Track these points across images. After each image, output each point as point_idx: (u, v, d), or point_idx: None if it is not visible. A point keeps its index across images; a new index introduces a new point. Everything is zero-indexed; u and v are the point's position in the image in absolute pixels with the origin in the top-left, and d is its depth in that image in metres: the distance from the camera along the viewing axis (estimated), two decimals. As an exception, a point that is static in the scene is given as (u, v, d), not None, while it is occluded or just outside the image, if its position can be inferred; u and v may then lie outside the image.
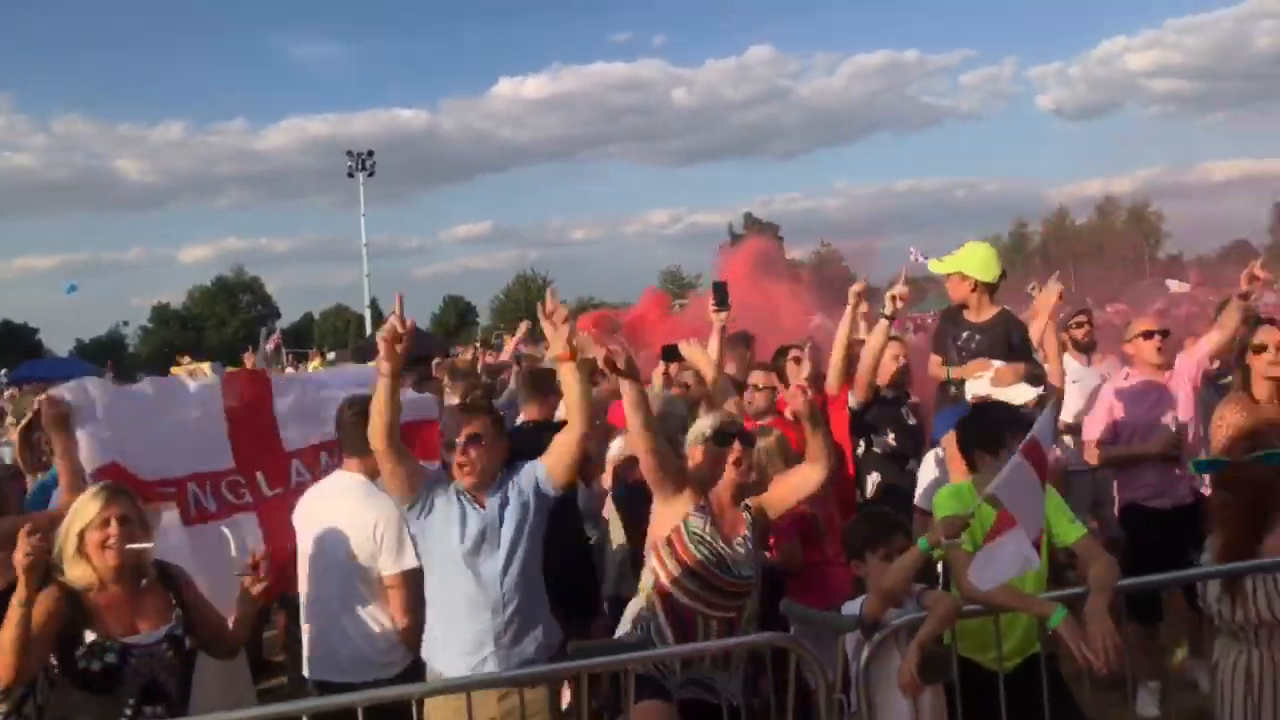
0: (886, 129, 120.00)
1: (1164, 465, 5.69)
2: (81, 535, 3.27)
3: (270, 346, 25.21)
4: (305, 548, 4.18)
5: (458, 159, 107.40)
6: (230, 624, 3.56)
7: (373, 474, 4.10)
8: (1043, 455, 3.49)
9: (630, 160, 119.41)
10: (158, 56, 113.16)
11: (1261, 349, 4.94)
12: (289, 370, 19.56)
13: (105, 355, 59.23)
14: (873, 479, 5.64)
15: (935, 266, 5.84)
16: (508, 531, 3.76)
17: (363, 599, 4.05)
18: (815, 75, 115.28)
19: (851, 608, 3.60)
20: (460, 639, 3.70)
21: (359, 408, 4.15)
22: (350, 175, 51.04)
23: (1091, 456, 5.94)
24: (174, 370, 29.36)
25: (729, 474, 3.95)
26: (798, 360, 6.14)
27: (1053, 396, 5.41)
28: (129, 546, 3.25)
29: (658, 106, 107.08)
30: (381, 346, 3.52)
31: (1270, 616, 3.64)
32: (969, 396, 5.14)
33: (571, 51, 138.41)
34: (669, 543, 3.86)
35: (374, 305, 52.74)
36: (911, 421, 5.77)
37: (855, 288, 5.39)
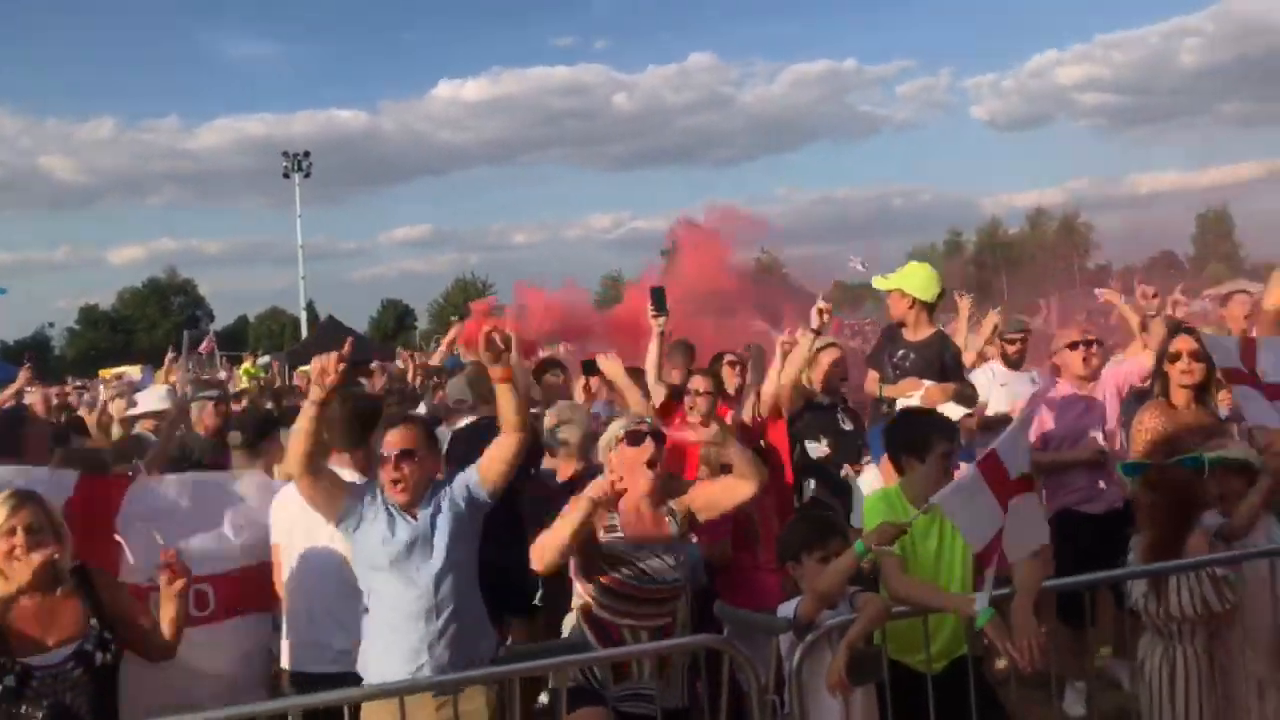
0: (825, 137, 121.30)
1: (1092, 471, 5.85)
2: None
3: (204, 349, 24.81)
4: (294, 541, 4.13)
5: (397, 161, 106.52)
6: (164, 625, 3.41)
7: (363, 469, 4.15)
8: (1001, 471, 3.50)
9: (571, 164, 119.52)
10: (88, 50, 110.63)
11: (1176, 358, 5.09)
12: (221, 374, 19.20)
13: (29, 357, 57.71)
14: (809, 485, 5.70)
15: (878, 283, 5.98)
16: (441, 539, 3.71)
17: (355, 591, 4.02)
18: (756, 83, 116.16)
19: (786, 609, 3.63)
20: (396, 649, 3.64)
21: (350, 403, 4.28)
22: (286, 176, 50.30)
23: None
24: (102, 375, 28.78)
25: (644, 476, 3.88)
26: (733, 365, 6.21)
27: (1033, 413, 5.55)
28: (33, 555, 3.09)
29: (599, 111, 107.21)
30: (314, 374, 3.52)
31: (1193, 613, 3.76)
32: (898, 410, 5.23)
33: (512, 55, 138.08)
34: None
35: (310, 308, 52.04)
36: (848, 427, 5.83)
37: (813, 325, 5.39)
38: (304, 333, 43.24)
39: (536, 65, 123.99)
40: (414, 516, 3.74)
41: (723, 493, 4.05)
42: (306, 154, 50.48)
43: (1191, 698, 3.78)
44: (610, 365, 5.34)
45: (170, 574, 3.35)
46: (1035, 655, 3.35)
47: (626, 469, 3.87)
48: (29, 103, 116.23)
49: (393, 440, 3.74)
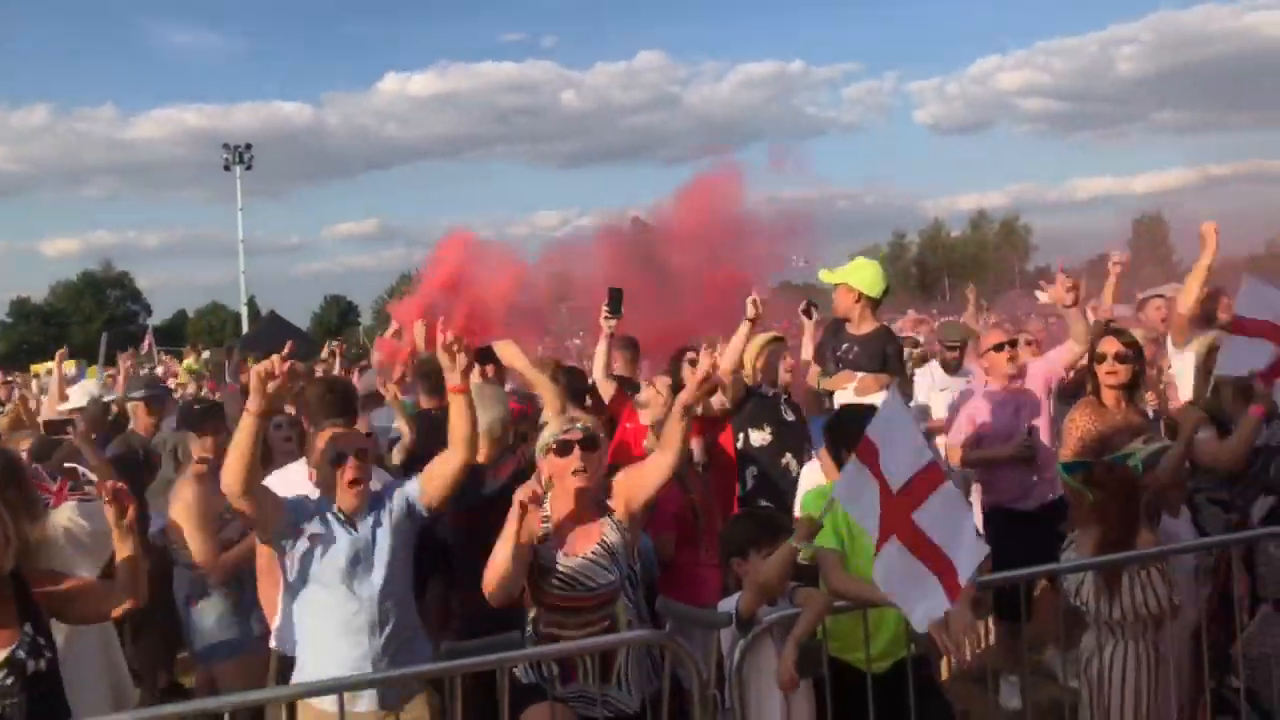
0: (771, 138, 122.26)
1: (1022, 468, 5.97)
2: None
3: (143, 346, 24.30)
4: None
5: (341, 155, 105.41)
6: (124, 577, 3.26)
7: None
8: (874, 451, 3.42)
9: (518, 161, 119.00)
10: (20, 34, 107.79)
11: (1102, 359, 5.22)
12: (159, 370, 18.80)
13: (-41, 351, 56.25)
14: (750, 472, 5.80)
15: (826, 276, 6.03)
16: (382, 553, 3.66)
17: None
18: (703, 82, 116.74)
19: (727, 604, 3.65)
20: (336, 664, 3.55)
21: (324, 385, 4.46)
22: (226, 168, 49.54)
23: (954, 458, 6.20)
24: (34, 369, 28.07)
25: (570, 485, 3.81)
26: (694, 363, 6.26)
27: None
28: None
29: (547, 108, 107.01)
30: (253, 383, 3.36)
31: (1145, 611, 3.84)
32: (837, 406, 5.30)
33: (460, 49, 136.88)
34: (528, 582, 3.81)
35: (251, 303, 51.29)
36: (789, 417, 5.94)
37: (749, 314, 5.51)
38: (244, 328, 42.56)
39: (485, 60, 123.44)
40: (355, 528, 3.68)
41: (644, 478, 3.94)
42: (248, 146, 49.79)
43: (1142, 693, 3.88)
44: (507, 351, 5.32)
45: (118, 506, 3.16)
46: (972, 650, 3.41)
47: (556, 478, 3.84)
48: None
49: (348, 438, 3.69)
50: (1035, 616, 5.87)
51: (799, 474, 5.96)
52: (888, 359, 5.78)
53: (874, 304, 6.01)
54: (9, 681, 2.96)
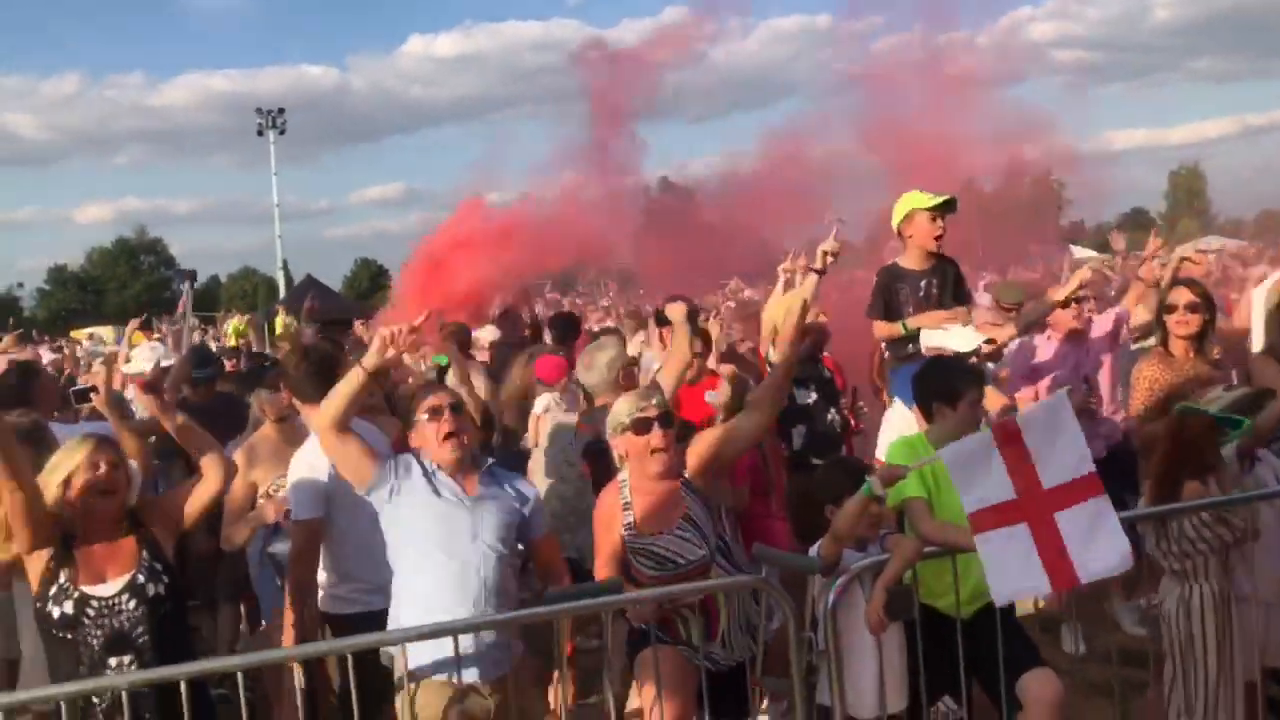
0: (799, 93, 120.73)
1: (1082, 418, 6.01)
2: (67, 482, 3.28)
3: (179, 309, 24.53)
4: (332, 488, 4.22)
5: (368, 119, 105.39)
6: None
7: None
8: (1017, 440, 3.47)
9: (544, 121, 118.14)
10: (51, 5, 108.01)
11: (1173, 309, 5.25)
12: (195, 336, 18.98)
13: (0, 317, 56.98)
14: (798, 431, 5.91)
15: (898, 212, 5.74)
16: (488, 512, 3.69)
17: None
18: (730, 38, 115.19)
19: (816, 551, 3.75)
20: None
21: (315, 358, 4.40)
22: (260, 133, 49.42)
23: (994, 406, 6.24)
24: (73, 335, 28.40)
25: (651, 463, 3.85)
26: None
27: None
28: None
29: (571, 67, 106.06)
30: (375, 344, 3.48)
31: (1204, 545, 3.91)
32: (924, 348, 5.27)
33: (484, 9, 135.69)
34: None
35: (285, 267, 51.52)
36: (828, 375, 6.11)
37: (816, 265, 5.53)
38: (281, 293, 42.82)
39: (509, 19, 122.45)
40: (468, 490, 3.70)
41: (734, 434, 3.98)
42: (281, 110, 49.67)
43: (1209, 634, 3.93)
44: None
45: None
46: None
47: (635, 456, 3.88)
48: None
49: (436, 399, 3.71)
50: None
51: (842, 428, 6.09)
52: (960, 283, 5.76)
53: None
54: (131, 604, 3.25)
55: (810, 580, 3.72)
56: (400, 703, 3.42)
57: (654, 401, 3.88)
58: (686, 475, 3.91)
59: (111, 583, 3.26)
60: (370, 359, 3.47)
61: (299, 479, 4.31)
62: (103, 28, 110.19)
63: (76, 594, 3.21)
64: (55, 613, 3.20)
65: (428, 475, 3.67)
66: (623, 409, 3.91)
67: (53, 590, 3.22)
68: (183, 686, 3.05)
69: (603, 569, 3.85)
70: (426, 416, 3.65)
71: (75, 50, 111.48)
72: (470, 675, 3.51)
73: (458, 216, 9.56)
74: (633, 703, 3.97)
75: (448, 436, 3.65)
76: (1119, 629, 5.84)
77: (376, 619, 4.04)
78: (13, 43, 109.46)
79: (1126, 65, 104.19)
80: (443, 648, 3.39)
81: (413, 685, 3.42)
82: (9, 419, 3.22)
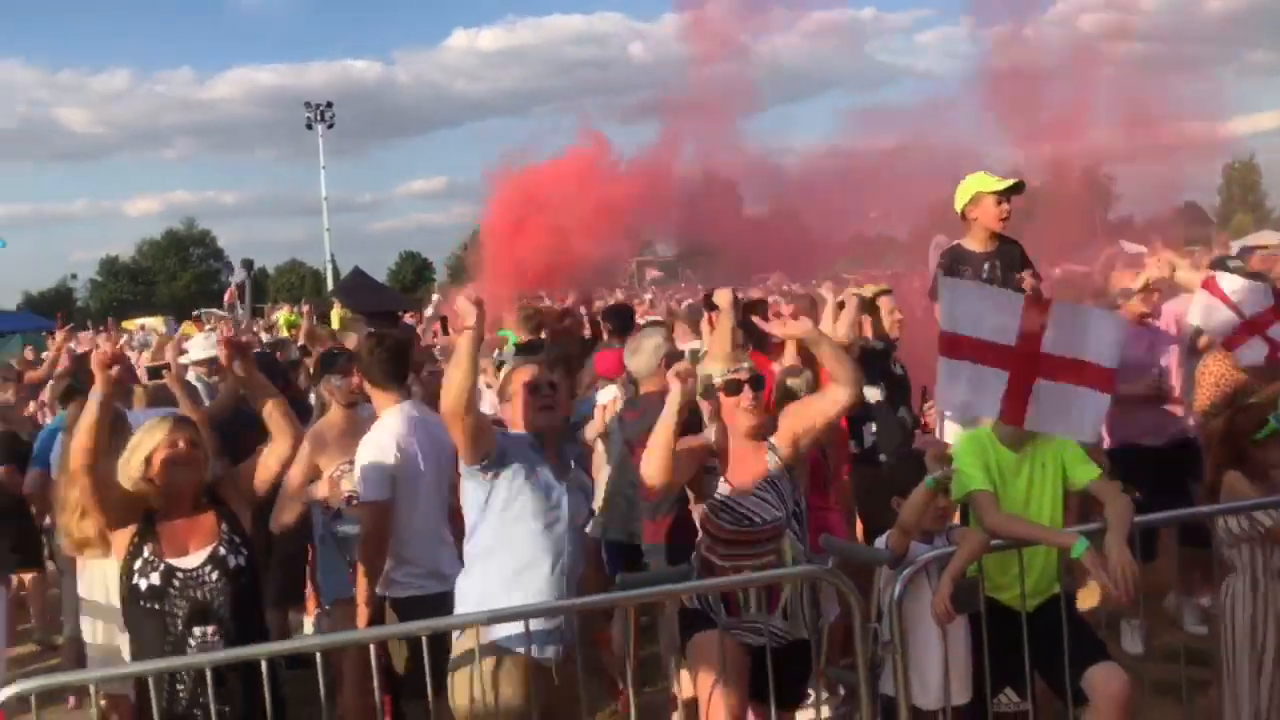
0: (841, 86, 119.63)
1: (1154, 405, 5.97)
2: (148, 460, 3.39)
3: (226, 300, 24.89)
4: (397, 472, 4.34)
5: (412, 112, 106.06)
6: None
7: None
8: (1044, 308, 3.94)
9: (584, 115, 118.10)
10: (101, 1, 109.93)
11: None
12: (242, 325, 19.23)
13: (54, 309, 58.09)
14: (868, 429, 5.83)
15: (963, 194, 5.72)
16: (574, 501, 3.79)
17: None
18: (773, 31, 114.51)
19: (883, 542, 3.77)
20: (525, 599, 3.62)
21: (389, 345, 4.58)
22: (309, 127, 50.17)
23: None
24: (125, 326, 28.88)
25: (741, 423, 3.91)
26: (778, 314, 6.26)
27: None
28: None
29: (614, 61, 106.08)
30: (458, 314, 3.54)
31: (1239, 531, 4.00)
32: None
33: (527, 2, 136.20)
34: (700, 517, 3.93)
35: (332, 260, 52.07)
36: (898, 371, 5.99)
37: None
38: (329, 285, 43.31)
39: (552, 13, 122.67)
40: (555, 468, 3.77)
41: (819, 407, 4.01)
42: (329, 105, 50.34)
43: (1240, 624, 4.03)
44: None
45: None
46: (1131, 587, 3.48)
47: (725, 416, 3.94)
48: (44, 55, 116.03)
49: (534, 374, 3.79)
50: (1158, 562, 5.91)
51: (912, 425, 6.05)
52: (1026, 262, 5.71)
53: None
54: (213, 575, 3.36)
55: (876, 572, 3.74)
56: (475, 682, 3.47)
57: (745, 365, 3.98)
58: (773, 440, 3.96)
59: (194, 555, 3.37)
60: (466, 334, 3.50)
61: (368, 462, 4.41)
62: (151, 24, 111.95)
63: (162, 566, 3.32)
64: (143, 584, 3.30)
65: (530, 454, 3.73)
66: (715, 370, 3.99)
67: (138, 563, 3.33)
68: (263, 665, 3.14)
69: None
70: (524, 390, 3.73)
71: (125, 46, 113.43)
72: (543, 654, 3.58)
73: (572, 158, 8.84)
74: (685, 689, 4.01)
75: (545, 409, 3.74)
76: (1179, 628, 5.80)
77: (430, 603, 4.13)
78: (65, 39, 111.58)
79: (1180, 57, 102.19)
80: (517, 626, 3.47)
81: (487, 663, 3.47)
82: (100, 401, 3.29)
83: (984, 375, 3.96)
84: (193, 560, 3.36)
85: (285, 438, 3.62)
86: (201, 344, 8.46)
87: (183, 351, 8.47)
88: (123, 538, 3.36)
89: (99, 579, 4.51)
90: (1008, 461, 3.93)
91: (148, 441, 3.42)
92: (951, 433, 4.98)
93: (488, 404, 7.48)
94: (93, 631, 4.81)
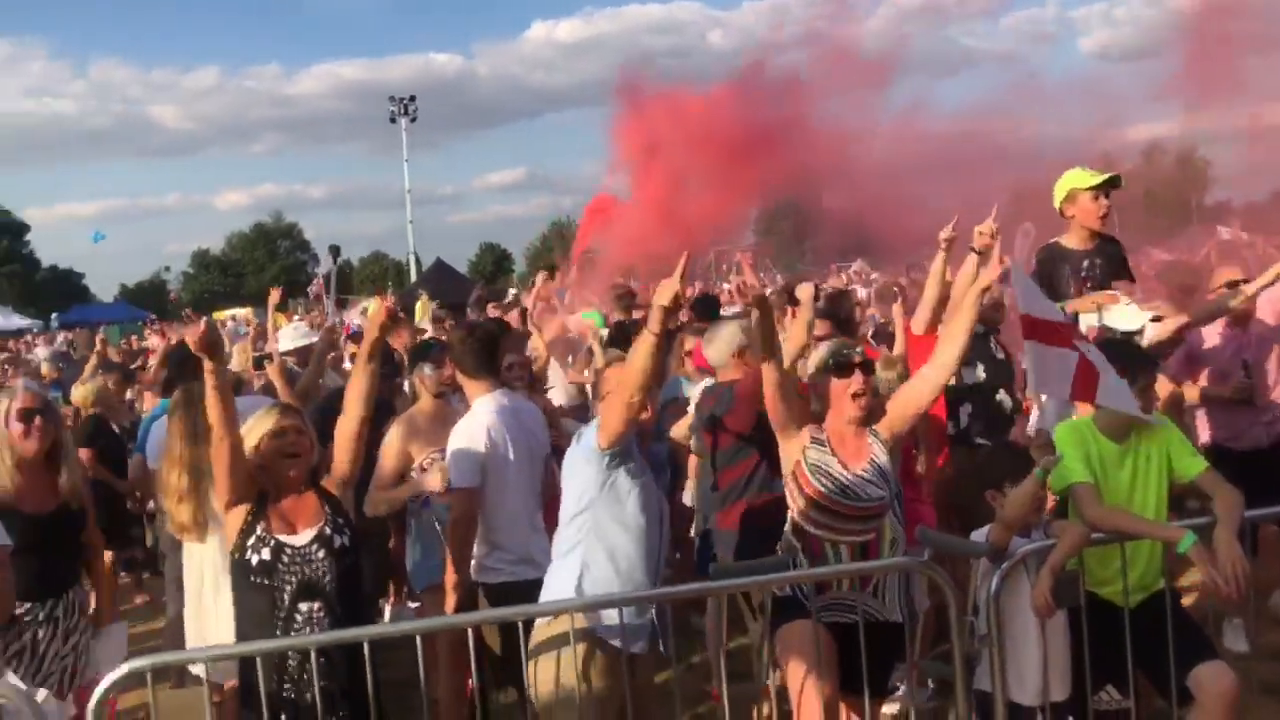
0: (923, 71, 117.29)
1: (1242, 407, 5.77)
2: (257, 446, 3.52)
3: (312, 292, 25.42)
4: (487, 460, 4.41)
5: (491, 105, 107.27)
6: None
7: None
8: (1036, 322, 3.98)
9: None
10: (190, 1, 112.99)
11: None
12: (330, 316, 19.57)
13: (149, 300, 60.08)
14: (965, 410, 5.79)
15: (1060, 191, 5.60)
16: (660, 498, 3.83)
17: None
18: (854, 16, 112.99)
19: (979, 535, 3.71)
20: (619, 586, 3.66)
21: (481, 335, 4.64)
22: (392, 120, 50.85)
23: (1163, 392, 6.01)
24: (215, 316, 29.65)
25: (850, 406, 3.89)
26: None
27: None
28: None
29: (693, 49, 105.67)
30: (657, 302, 3.48)
31: None
32: (1086, 328, 5.12)
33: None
34: (793, 476, 3.91)
35: (415, 252, 52.87)
36: (1000, 355, 5.90)
37: (944, 234, 5.40)
38: (412, 277, 44.00)
39: (631, 3, 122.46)
40: (643, 455, 3.81)
41: (915, 390, 4.02)
42: (413, 98, 50.93)
43: None
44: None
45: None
46: (1241, 582, 3.38)
47: (834, 398, 3.93)
48: (138, 54, 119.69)
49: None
50: (1260, 560, 5.73)
51: (1012, 410, 5.93)
52: (1124, 262, 5.59)
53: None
54: (320, 554, 3.47)
55: (974, 565, 3.68)
56: (561, 670, 3.51)
57: (857, 349, 3.99)
58: (877, 427, 3.96)
59: (303, 534, 3.48)
60: (654, 322, 3.47)
61: (459, 448, 4.48)
62: (239, 22, 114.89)
63: (273, 541, 3.44)
64: (254, 559, 3.41)
65: (637, 452, 3.76)
66: (827, 352, 4.00)
67: (251, 539, 3.45)
68: (365, 648, 3.23)
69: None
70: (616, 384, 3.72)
71: (214, 44, 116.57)
72: (632, 645, 3.60)
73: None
74: (776, 679, 3.98)
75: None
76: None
77: (522, 589, 4.17)
78: (158, 38, 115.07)
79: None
80: (610, 616, 3.51)
81: (575, 650, 3.51)
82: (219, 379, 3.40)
83: (1056, 356, 3.94)
84: (301, 538, 3.47)
85: (354, 407, 3.69)
86: (291, 334, 8.68)
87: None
88: (238, 514, 3.48)
89: (194, 565, 4.62)
90: (1110, 453, 3.83)
91: (259, 428, 3.55)
92: (1053, 416, 4.86)
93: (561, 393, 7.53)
94: (193, 613, 4.92)
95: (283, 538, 3.45)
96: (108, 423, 7.94)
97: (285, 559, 3.42)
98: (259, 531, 3.44)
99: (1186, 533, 3.51)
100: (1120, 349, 4.07)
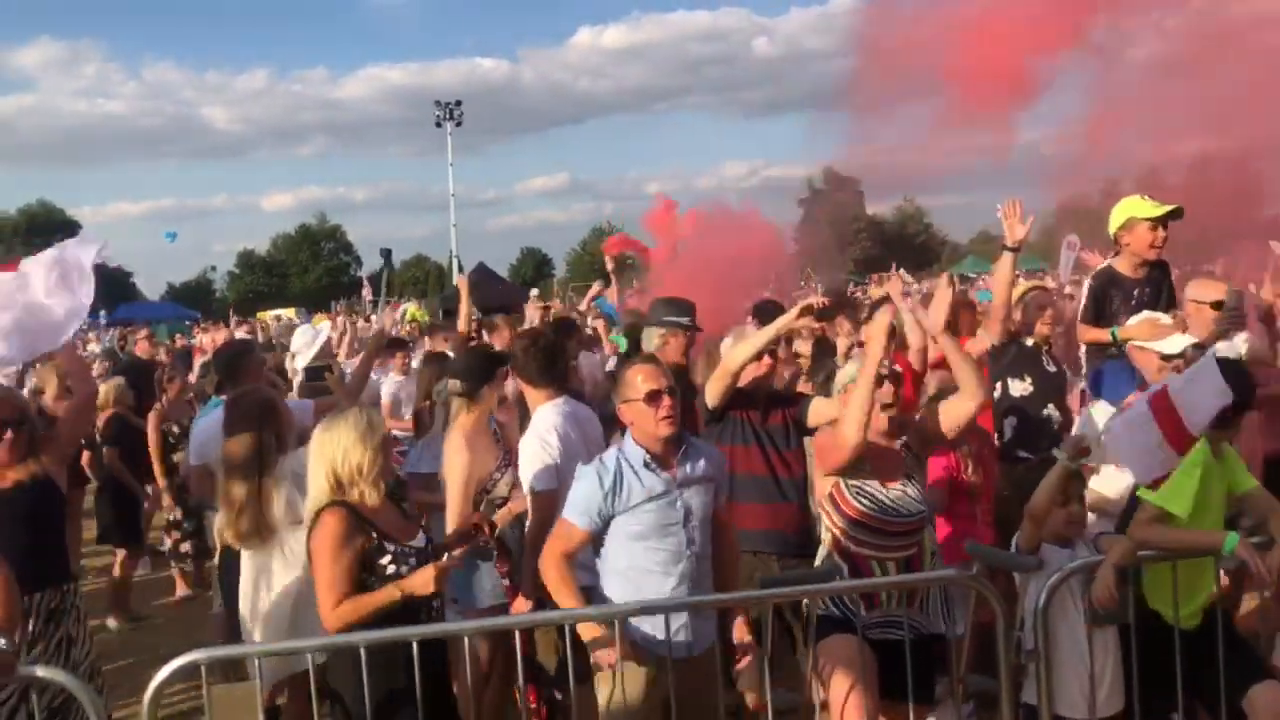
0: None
1: None
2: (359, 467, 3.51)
3: (364, 293, 25.66)
4: (568, 463, 4.38)
5: (535, 110, 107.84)
6: None
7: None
8: (1170, 409, 3.66)
9: (707, 112, 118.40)
10: (244, 3, 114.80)
11: None
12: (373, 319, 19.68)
13: (195, 298, 60.98)
14: (1009, 422, 5.73)
15: (1118, 217, 5.57)
16: (697, 501, 3.69)
17: None
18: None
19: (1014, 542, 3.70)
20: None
21: (543, 345, 4.70)
22: (438, 125, 51.32)
23: None
24: (260, 317, 29.98)
25: (880, 420, 3.86)
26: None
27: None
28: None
29: (738, 57, 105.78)
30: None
31: None
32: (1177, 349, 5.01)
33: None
34: (831, 498, 3.87)
35: (457, 256, 53.24)
36: (1051, 368, 5.84)
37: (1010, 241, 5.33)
38: (453, 280, 44.33)
39: (677, 9, 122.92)
40: (673, 471, 3.67)
41: (945, 414, 4.01)
42: (458, 103, 51.38)
43: None
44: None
45: None
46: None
47: None
48: (191, 56, 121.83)
49: (656, 381, 3.65)
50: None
51: (1061, 425, 5.86)
52: (1171, 293, 5.56)
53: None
54: (431, 553, 3.62)
55: (1020, 580, 3.67)
56: (612, 675, 3.52)
57: (885, 362, 3.94)
58: (907, 440, 3.96)
59: (416, 538, 3.65)
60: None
61: (535, 454, 4.48)
62: (288, 26, 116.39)
63: (411, 550, 3.56)
64: (404, 570, 3.47)
65: (642, 463, 3.65)
66: (854, 367, 3.99)
67: (386, 559, 3.49)
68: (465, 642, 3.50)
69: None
70: (644, 399, 3.63)
71: (264, 47, 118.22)
72: (677, 652, 3.58)
73: None
74: (817, 691, 3.97)
75: (667, 420, 3.62)
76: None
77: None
78: (210, 40, 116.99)
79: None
80: (654, 625, 3.51)
81: (624, 655, 3.49)
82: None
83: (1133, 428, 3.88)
84: (419, 541, 3.62)
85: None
86: (304, 344, 8.53)
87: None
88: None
89: (249, 571, 4.61)
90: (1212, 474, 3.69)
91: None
92: (1100, 419, 4.77)
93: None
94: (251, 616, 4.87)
95: (410, 544, 3.62)
96: (129, 422, 8.12)
97: (414, 562, 3.57)
98: (377, 540, 3.53)
99: (1229, 533, 3.48)
100: (1234, 372, 3.73)
